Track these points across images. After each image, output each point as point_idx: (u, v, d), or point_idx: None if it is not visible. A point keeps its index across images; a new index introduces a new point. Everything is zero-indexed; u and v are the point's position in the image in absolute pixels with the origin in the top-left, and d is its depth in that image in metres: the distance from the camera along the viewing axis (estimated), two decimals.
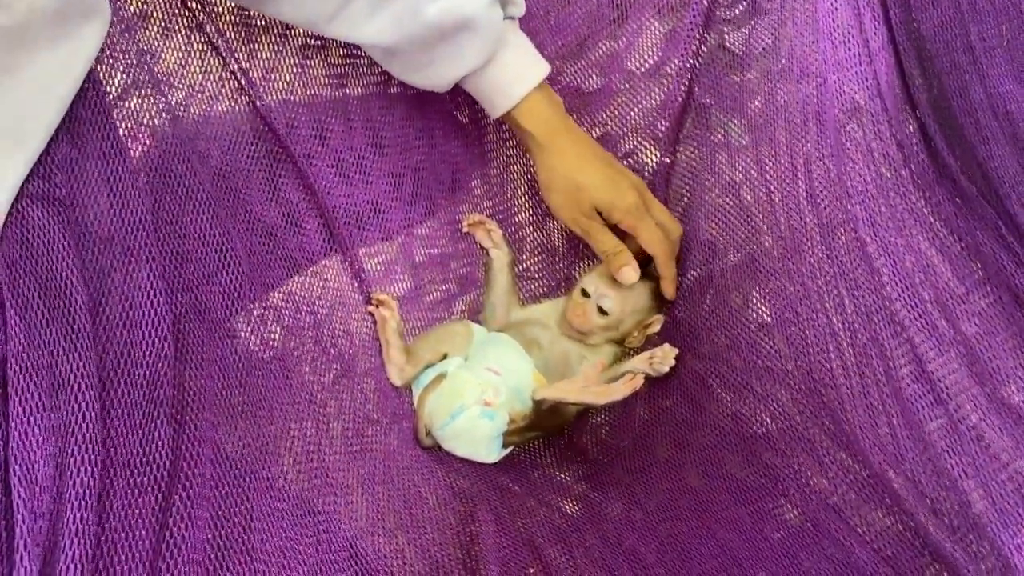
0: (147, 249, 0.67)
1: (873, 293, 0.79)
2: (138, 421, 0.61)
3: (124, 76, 0.76)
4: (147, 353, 0.64)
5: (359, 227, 0.96)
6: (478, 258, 1.09)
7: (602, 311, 0.97)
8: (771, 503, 0.80)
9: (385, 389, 0.94)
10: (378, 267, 1.00)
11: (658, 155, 1.02)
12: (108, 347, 0.62)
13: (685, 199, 1.00)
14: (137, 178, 0.69)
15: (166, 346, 0.65)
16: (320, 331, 0.89)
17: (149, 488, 0.60)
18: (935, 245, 0.78)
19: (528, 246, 1.10)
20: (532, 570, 0.84)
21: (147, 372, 0.63)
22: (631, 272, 0.96)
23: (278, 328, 0.84)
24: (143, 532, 0.57)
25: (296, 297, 0.89)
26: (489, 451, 0.95)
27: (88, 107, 0.68)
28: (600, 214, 0.95)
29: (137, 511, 0.58)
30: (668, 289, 0.99)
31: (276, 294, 0.86)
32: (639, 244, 0.97)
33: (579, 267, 1.09)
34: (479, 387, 0.93)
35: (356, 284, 0.97)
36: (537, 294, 1.10)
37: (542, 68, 0.92)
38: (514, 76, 0.91)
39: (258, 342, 0.80)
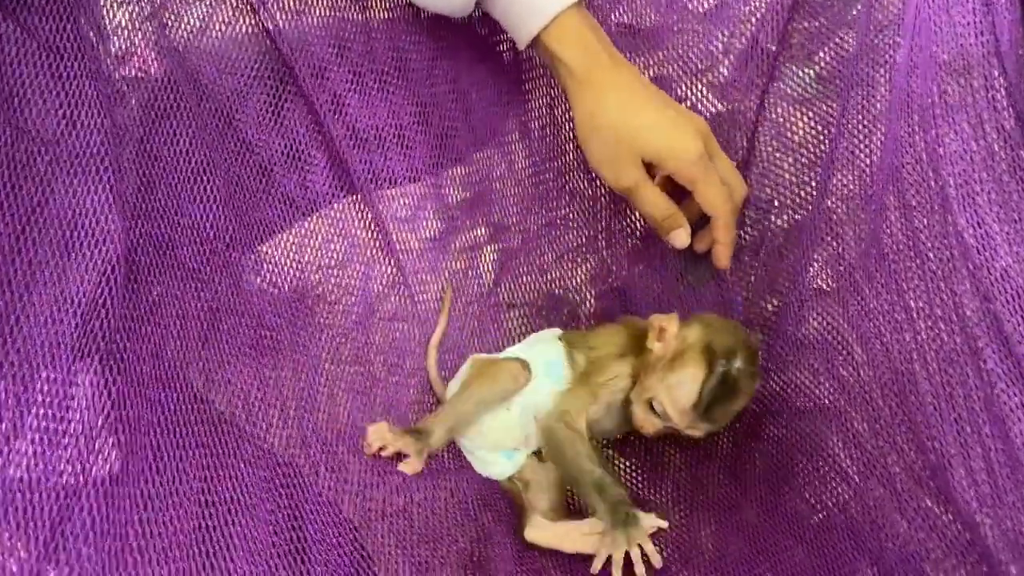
0: (99, 160, 0.59)
1: (968, 291, 0.67)
2: (64, 355, 0.53)
3: None
4: (86, 279, 0.56)
5: (368, 163, 0.88)
6: (512, 203, 1.00)
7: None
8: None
9: (396, 346, 0.90)
10: (404, 212, 0.93)
11: (715, 103, 0.93)
12: (38, 267, 0.54)
13: (741, 152, 0.91)
14: (99, 82, 0.62)
15: (109, 271, 0.57)
16: (307, 278, 0.84)
17: (71, 435, 0.51)
18: None
19: (567, 192, 1.01)
20: None
21: (84, 300, 0.56)
22: (684, 235, 0.86)
23: (256, 278, 0.78)
24: (50, 483, 0.49)
25: (289, 241, 0.83)
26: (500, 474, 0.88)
27: None
28: (647, 167, 0.84)
29: (53, 458, 0.50)
30: (723, 256, 0.87)
31: (265, 234, 0.79)
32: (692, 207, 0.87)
33: (621, 218, 1.01)
34: (516, 439, 0.86)
35: (372, 229, 0.90)
36: (574, 244, 1.02)
37: None
38: None
39: (229, 288, 0.72)
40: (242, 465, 0.65)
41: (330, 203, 0.86)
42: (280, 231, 0.81)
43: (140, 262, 0.63)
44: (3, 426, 0.49)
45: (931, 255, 0.71)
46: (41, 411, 0.52)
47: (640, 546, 0.76)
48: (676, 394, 0.79)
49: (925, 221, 0.71)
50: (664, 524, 0.79)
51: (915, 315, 0.71)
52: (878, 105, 0.77)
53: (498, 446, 0.85)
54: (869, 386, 0.74)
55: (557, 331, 0.92)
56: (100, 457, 0.53)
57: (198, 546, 0.58)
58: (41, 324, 0.54)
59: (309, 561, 0.65)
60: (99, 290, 0.57)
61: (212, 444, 0.64)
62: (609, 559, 0.76)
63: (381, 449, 0.79)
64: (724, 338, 0.79)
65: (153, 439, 0.59)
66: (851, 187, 0.80)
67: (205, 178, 0.71)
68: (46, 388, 0.52)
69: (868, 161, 0.78)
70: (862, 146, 0.79)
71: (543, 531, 0.82)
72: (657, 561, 0.76)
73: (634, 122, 0.82)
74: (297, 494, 0.69)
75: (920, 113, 0.72)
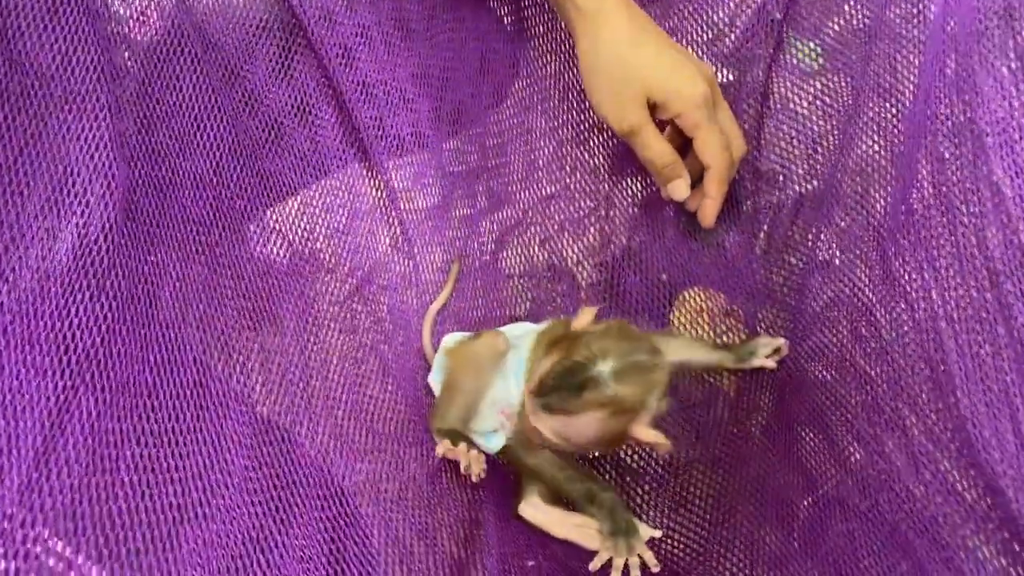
0: (95, 99, 0.58)
1: (1000, 245, 0.64)
2: (54, 288, 0.52)
3: None
4: (80, 213, 0.55)
5: (378, 119, 0.86)
6: (513, 173, 0.99)
7: None
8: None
9: (397, 314, 0.88)
10: (405, 178, 0.92)
11: (721, 73, 0.91)
12: (29, 200, 0.53)
13: (746, 123, 0.89)
14: (97, 22, 0.61)
15: (103, 207, 0.56)
16: (310, 244, 0.83)
17: (55, 367, 0.50)
18: None
19: (569, 163, 1.00)
20: (532, 563, 0.77)
21: (77, 234, 0.55)
22: (684, 186, 0.84)
23: (260, 240, 0.77)
24: (29, 423, 0.48)
25: (294, 206, 0.82)
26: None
27: None
28: (653, 112, 0.82)
29: (38, 388, 0.49)
30: (710, 212, 0.85)
31: (273, 187, 0.79)
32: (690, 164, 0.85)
33: (622, 188, 0.99)
34: (493, 423, 0.83)
35: (376, 194, 0.89)
36: (575, 215, 1.00)
37: None
38: None
39: (232, 236, 0.71)
40: (243, 408, 0.64)
41: (339, 158, 0.85)
42: (288, 185, 0.80)
43: (140, 203, 0.62)
44: None
45: (962, 208, 0.68)
46: (27, 343, 0.51)
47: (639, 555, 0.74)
48: (532, 373, 0.73)
49: (958, 174, 0.68)
50: (658, 534, 0.76)
51: (943, 272, 0.68)
52: (900, 69, 0.74)
53: (476, 429, 0.83)
54: (891, 346, 0.71)
55: (539, 327, 0.86)
56: (87, 391, 0.52)
57: (194, 481, 0.57)
58: (32, 257, 0.53)
59: (307, 507, 0.64)
60: (92, 226, 0.56)
61: (212, 384, 0.63)
62: (609, 561, 0.74)
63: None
64: (608, 342, 0.69)
65: (148, 377, 0.58)
66: (878, 151, 0.77)
67: (209, 125, 0.70)
68: (33, 320, 0.52)
69: (895, 122, 0.75)
70: (887, 110, 0.76)
71: (537, 511, 0.79)
72: (655, 567, 0.73)
73: (641, 59, 0.80)
74: (297, 440, 0.68)
75: (957, 60, 0.69)
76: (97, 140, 0.58)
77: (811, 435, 0.78)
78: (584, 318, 0.74)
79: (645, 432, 0.69)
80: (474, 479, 0.76)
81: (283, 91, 0.80)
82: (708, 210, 0.85)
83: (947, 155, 0.70)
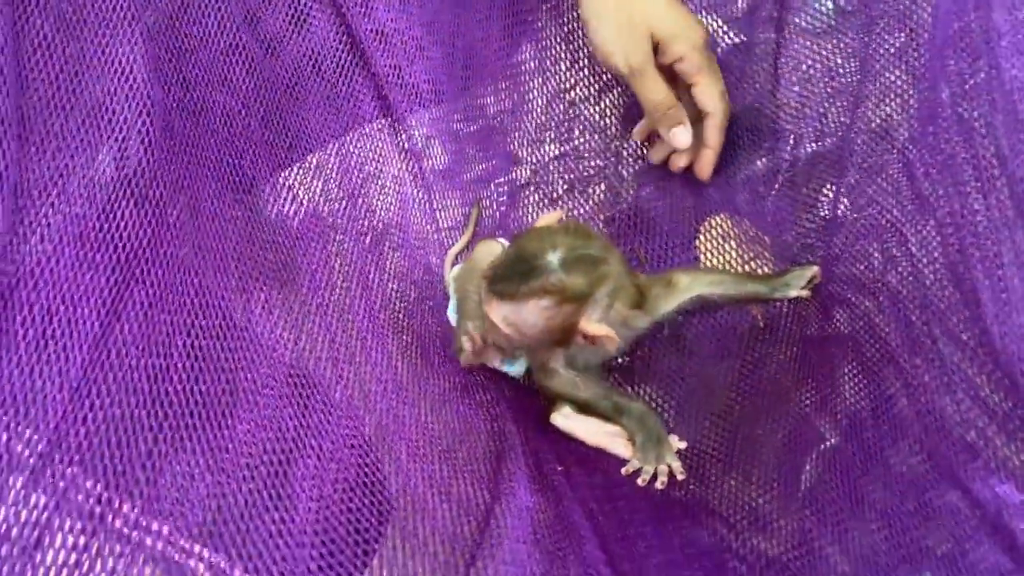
0: (128, 23, 0.61)
1: (1015, 148, 0.64)
2: (99, 195, 0.54)
3: None
4: (118, 128, 0.58)
5: (397, 67, 0.89)
6: (524, 134, 1.00)
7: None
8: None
9: (407, 271, 0.90)
10: (423, 125, 0.94)
11: (732, 35, 0.92)
12: (72, 115, 0.56)
13: (757, 84, 0.90)
14: None
15: (141, 125, 0.58)
16: (324, 205, 0.84)
17: (103, 265, 0.52)
18: None
19: (579, 123, 1.01)
20: (560, 468, 0.78)
21: (119, 147, 0.57)
22: (686, 133, 0.86)
23: (277, 200, 0.78)
24: (86, 309, 0.50)
25: (308, 169, 0.84)
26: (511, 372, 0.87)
27: None
28: (655, 56, 0.84)
29: (90, 280, 0.51)
30: (707, 165, 0.88)
31: (298, 125, 0.80)
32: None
33: (631, 144, 1.00)
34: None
35: (389, 158, 0.91)
36: (584, 175, 1.01)
37: None
38: None
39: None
40: (287, 316, 0.67)
41: (359, 106, 0.87)
42: (313, 127, 0.82)
43: (176, 124, 0.65)
44: (41, 246, 0.51)
45: (980, 120, 0.67)
46: (77, 240, 0.53)
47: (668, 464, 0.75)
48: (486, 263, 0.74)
49: (975, 88, 0.67)
50: (683, 445, 0.76)
51: (964, 186, 0.69)
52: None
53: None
54: (922, 267, 0.71)
55: None
56: (138, 285, 0.55)
57: (244, 373, 0.59)
58: (78, 165, 0.56)
59: (352, 406, 0.66)
60: (132, 140, 0.59)
61: (257, 292, 0.65)
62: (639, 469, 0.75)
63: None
64: (560, 237, 0.70)
65: (196, 279, 0.60)
66: (903, 79, 0.77)
67: (235, 60, 0.73)
68: (82, 220, 0.54)
69: (916, 52, 0.75)
70: (909, 40, 0.76)
71: (569, 420, 0.80)
72: (682, 475, 0.73)
73: (642, 4, 0.82)
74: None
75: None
76: (132, 62, 0.60)
77: (844, 366, 0.78)
78: (547, 219, 0.76)
79: (594, 326, 0.69)
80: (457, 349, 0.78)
81: (302, 38, 0.82)
82: (706, 160, 0.87)
83: (965, 68, 0.70)
